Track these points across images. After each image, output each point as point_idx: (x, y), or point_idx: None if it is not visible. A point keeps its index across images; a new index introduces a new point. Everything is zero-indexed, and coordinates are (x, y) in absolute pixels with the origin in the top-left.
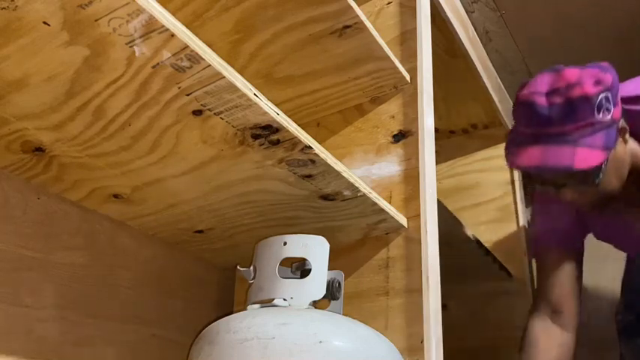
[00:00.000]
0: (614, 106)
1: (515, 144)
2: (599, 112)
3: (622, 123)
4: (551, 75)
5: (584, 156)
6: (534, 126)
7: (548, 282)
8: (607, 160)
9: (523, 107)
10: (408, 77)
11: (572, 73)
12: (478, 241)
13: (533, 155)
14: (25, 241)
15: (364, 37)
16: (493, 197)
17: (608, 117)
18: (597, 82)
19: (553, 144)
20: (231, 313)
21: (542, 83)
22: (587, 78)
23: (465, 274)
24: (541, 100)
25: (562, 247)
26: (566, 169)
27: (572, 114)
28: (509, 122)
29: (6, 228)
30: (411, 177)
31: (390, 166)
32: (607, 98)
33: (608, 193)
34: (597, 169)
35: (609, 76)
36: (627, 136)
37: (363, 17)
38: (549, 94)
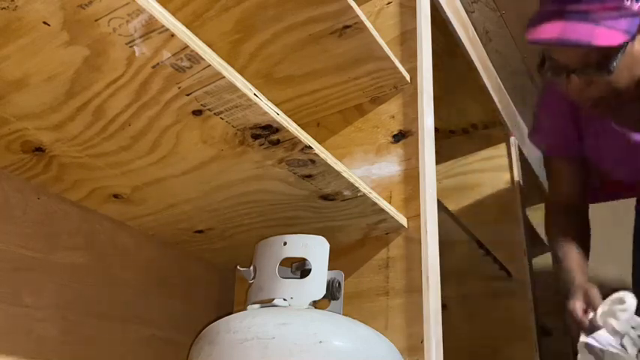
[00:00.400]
0: None
1: (536, 20)
2: None
3: None
4: None
5: (604, 34)
6: (560, 3)
7: (558, 184)
8: (624, 48)
9: None
10: (408, 77)
11: None
12: (478, 241)
13: (554, 29)
14: (25, 241)
15: (364, 37)
16: (493, 197)
17: (636, 7)
18: None
19: (575, 20)
20: (231, 313)
21: None
22: None
23: (465, 274)
24: None
25: (564, 155)
26: (585, 44)
27: None
28: (509, 122)
29: (6, 228)
30: (411, 177)
31: (390, 166)
32: None
33: (616, 90)
34: (614, 53)
35: None
36: None
37: (363, 17)
38: None
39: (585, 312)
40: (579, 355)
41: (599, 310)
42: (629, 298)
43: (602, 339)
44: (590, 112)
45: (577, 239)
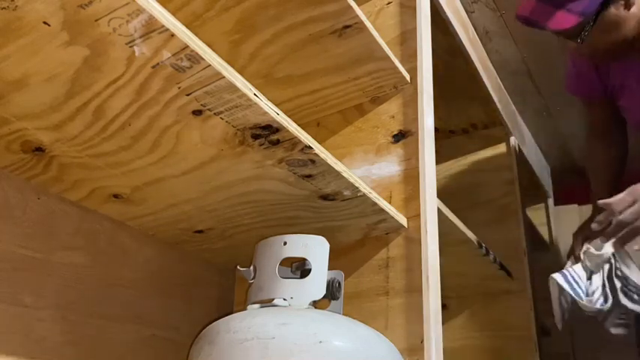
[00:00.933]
0: None
1: None
2: None
3: None
4: None
5: (560, 18)
6: None
7: (590, 121)
8: (588, 23)
9: None
10: (408, 77)
11: None
12: (478, 241)
13: (527, 8)
14: (25, 241)
15: (364, 37)
16: (493, 197)
17: None
18: None
19: (544, 2)
20: (231, 313)
21: None
22: None
23: (465, 274)
24: None
25: (586, 95)
26: (541, 26)
27: None
28: (509, 122)
29: (6, 228)
30: (411, 177)
31: (390, 166)
32: None
33: (608, 51)
34: (575, 31)
35: None
36: (632, 1)
37: (363, 17)
38: None
39: (584, 241)
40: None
41: (584, 247)
42: (607, 247)
43: (571, 276)
44: (593, 63)
45: (609, 163)
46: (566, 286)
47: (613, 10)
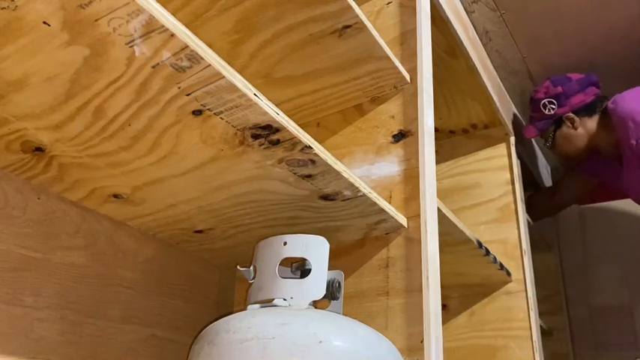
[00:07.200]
0: (560, 107)
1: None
2: (544, 109)
3: (571, 115)
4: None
5: (529, 130)
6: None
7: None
8: (549, 136)
9: None
10: (408, 77)
11: (544, 83)
12: (478, 241)
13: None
14: (25, 241)
15: (364, 37)
16: (493, 197)
17: (553, 112)
18: (546, 92)
19: (529, 121)
20: (231, 313)
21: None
22: (543, 88)
23: (465, 274)
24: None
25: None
26: (525, 136)
27: (531, 106)
28: (509, 122)
29: (6, 228)
30: (411, 177)
31: (390, 166)
32: (551, 102)
33: (570, 155)
34: (543, 139)
35: (559, 89)
36: (577, 124)
37: (363, 17)
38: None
39: None
40: None
41: None
42: None
43: None
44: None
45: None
46: None
47: (564, 129)
